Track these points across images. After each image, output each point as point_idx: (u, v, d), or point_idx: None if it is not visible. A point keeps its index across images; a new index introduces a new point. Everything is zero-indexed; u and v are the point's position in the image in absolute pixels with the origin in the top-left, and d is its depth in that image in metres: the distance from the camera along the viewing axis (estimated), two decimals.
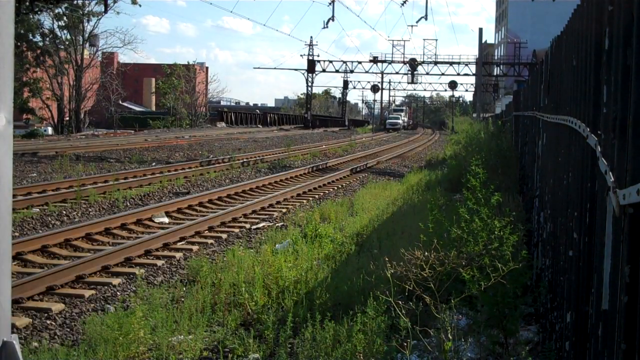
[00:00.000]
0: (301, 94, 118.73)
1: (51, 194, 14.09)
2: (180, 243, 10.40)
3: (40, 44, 57.19)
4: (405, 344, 4.76)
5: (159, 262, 9.18)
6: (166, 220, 12.22)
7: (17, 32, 47.71)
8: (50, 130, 57.76)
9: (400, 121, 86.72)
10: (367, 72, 76.76)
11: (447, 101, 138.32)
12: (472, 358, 5.16)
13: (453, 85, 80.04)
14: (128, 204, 13.88)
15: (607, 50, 2.90)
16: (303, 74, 77.94)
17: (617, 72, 2.52)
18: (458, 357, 4.78)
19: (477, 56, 56.73)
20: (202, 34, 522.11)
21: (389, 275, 5.13)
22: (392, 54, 77.88)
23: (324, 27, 73.15)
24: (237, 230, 11.63)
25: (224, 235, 11.10)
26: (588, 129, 3.45)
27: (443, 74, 73.89)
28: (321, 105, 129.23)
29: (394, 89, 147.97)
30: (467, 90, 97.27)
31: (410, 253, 5.24)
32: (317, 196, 16.25)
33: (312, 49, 76.95)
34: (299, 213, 13.22)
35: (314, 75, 77.34)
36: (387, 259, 5.42)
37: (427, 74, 74.57)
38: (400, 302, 5.10)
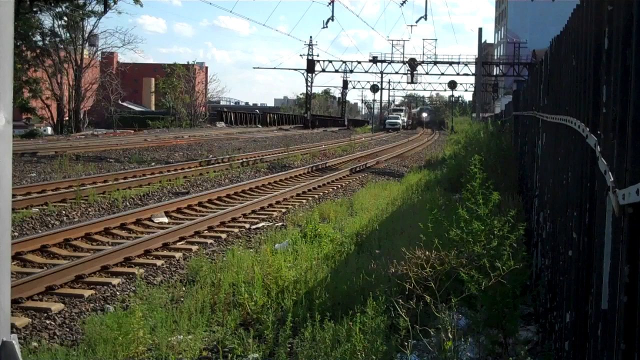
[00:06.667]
0: (300, 94, 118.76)
1: (50, 193, 14.08)
2: (180, 243, 10.40)
3: (40, 43, 57.14)
4: (405, 343, 4.76)
5: (159, 262, 9.18)
6: (166, 220, 12.22)
7: (17, 32, 47.67)
8: (49, 130, 57.76)
9: (399, 121, 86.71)
10: (366, 72, 76.88)
11: (446, 101, 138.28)
12: (472, 358, 5.16)
13: (452, 85, 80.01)
14: (127, 203, 13.88)
15: (606, 50, 2.90)
16: (302, 73, 77.94)
17: (617, 72, 2.52)
18: (458, 356, 4.78)
19: (477, 56, 56.72)
20: (199, 34, 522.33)
21: (397, 271, 5.13)
22: (392, 53, 78.00)
23: (324, 27, 73.21)
24: (236, 230, 11.62)
25: (224, 235, 11.10)
26: (587, 129, 3.45)
27: (442, 74, 73.96)
28: (321, 105, 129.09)
29: (393, 89, 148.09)
30: (466, 90, 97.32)
31: (411, 252, 5.24)
32: (316, 196, 16.25)
33: (312, 49, 76.99)
34: (299, 213, 13.21)
35: (314, 75, 77.35)
36: (387, 258, 5.43)
37: (427, 73, 74.66)
38: (400, 301, 5.10)
